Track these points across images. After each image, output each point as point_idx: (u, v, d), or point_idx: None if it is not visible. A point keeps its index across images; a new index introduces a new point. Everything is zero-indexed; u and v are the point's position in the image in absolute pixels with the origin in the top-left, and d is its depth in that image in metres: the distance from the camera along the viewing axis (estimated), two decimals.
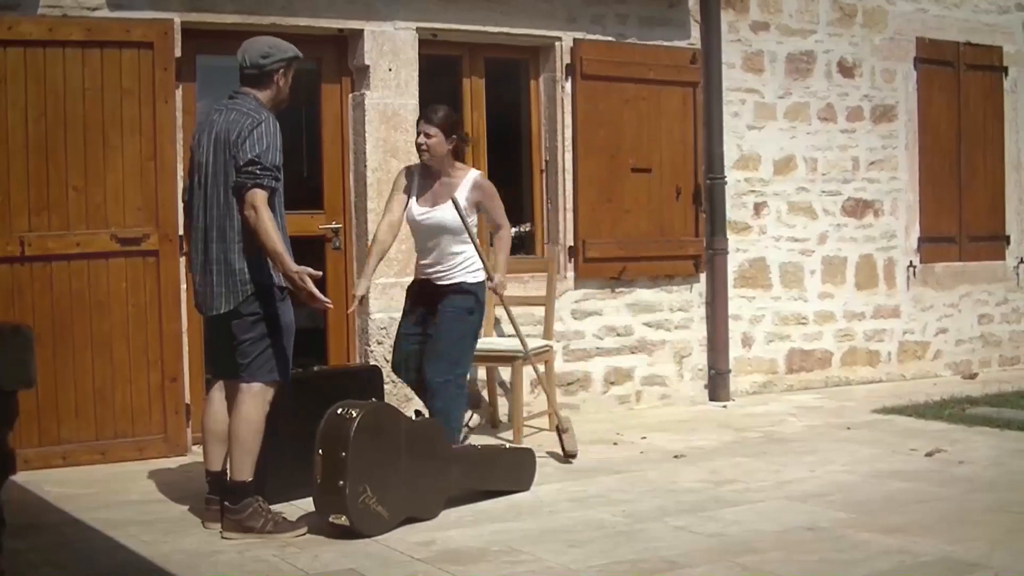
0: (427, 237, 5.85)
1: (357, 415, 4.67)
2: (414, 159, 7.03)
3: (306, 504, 4.95)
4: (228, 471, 4.78)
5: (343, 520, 4.61)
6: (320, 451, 4.66)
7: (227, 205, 4.66)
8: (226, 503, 4.69)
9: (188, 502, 5.25)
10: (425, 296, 5.90)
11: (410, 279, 7.04)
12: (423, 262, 5.93)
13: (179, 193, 6.29)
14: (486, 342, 7.01)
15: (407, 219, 5.87)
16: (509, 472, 5.48)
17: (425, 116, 5.80)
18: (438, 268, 5.85)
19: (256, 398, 4.71)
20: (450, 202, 5.69)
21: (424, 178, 5.86)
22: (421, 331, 5.89)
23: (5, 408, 3.87)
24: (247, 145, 4.61)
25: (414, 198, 5.84)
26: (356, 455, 4.63)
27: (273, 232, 4.56)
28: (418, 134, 5.78)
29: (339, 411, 4.74)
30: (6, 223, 5.94)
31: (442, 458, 5.08)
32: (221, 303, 4.70)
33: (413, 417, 5.12)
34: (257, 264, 4.68)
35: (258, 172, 4.60)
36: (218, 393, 4.92)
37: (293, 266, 4.58)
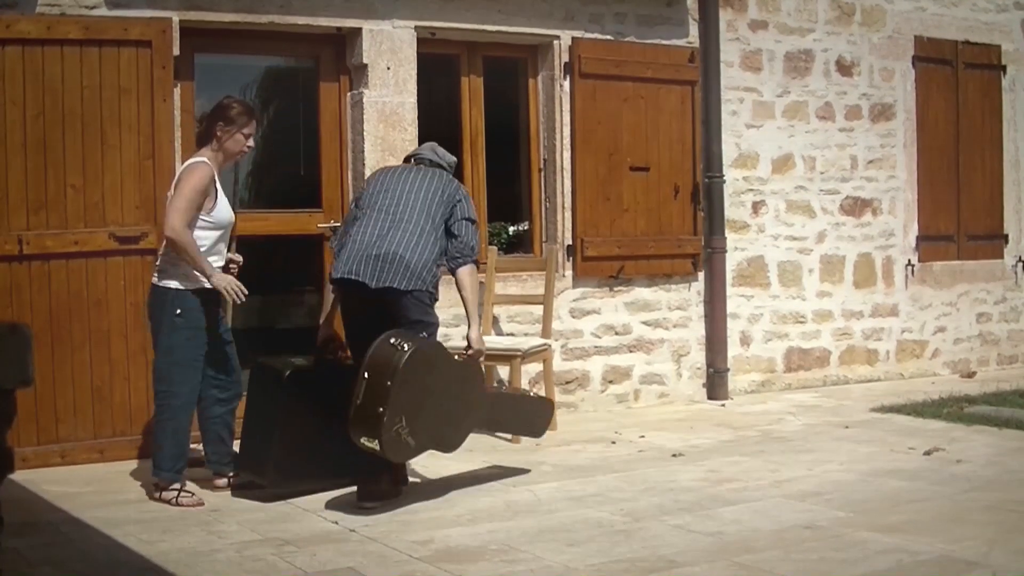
0: (227, 238, 5.48)
1: (409, 349, 4.81)
2: None
3: (304, 502, 4.96)
4: None
5: (374, 444, 4.77)
6: (366, 374, 4.78)
7: (435, 242, 5.29)
8: None
9: None
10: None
11: None
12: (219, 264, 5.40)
13: None
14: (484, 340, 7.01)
15: (229, 218, 5.40)
16: (527, 419, 5.64)
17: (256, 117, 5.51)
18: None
19: None
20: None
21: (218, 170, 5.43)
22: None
23: (4, 407, 3.88)
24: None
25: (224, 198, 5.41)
26: (400, 387, 4.76)
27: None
28: (248, 136, 5.39)
29: (392, 340, 4.85)
30: (4, 222, 5.94)
31: (473, 399, 5.23)
32: (395, 281, 5.08)
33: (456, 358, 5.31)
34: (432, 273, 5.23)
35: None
36: None
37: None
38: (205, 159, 5.31)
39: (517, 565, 4.22)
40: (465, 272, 5.36)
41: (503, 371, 7.10)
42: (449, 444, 5.23)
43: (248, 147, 5.45)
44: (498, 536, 4.62)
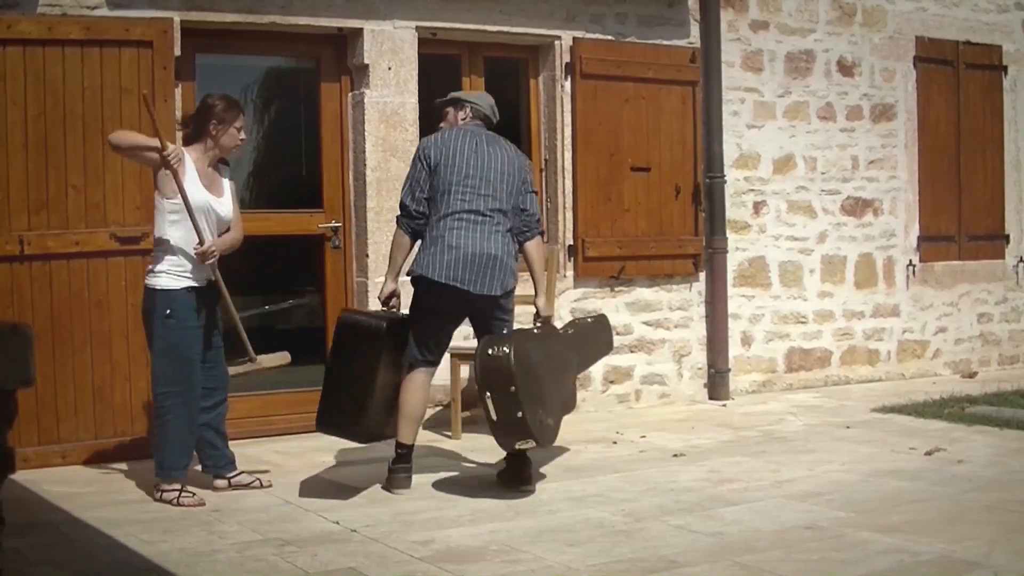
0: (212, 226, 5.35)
1: (509, 349, 5.06)
2: None
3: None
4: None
5: (529, 444, 5.16)
6: (488, 393, 5.05)
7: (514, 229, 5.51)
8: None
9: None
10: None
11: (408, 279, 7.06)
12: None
13: None
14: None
15: (202, 202, 5.25)
16: (600, 342, 6.05)
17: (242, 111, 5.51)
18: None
19: None
20: (227, 193, 5.41)
21: (205, 165, 5.39)
22: None
23: (5, 407, 3.88)
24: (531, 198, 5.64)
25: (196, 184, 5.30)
26: (523, 386, 5.03)
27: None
28: (240, 129, 5.40)
29: (490, 352, 5.09)
30: (5, 222, 5.94)
31: (565, 356, 5.53)
32: (496, 288, 5.34)
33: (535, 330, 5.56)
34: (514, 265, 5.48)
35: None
36: (427, 377, 5.47)
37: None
38: (184, 148, 5.32)
39: (518, 565, 4.21)
40: (533, 245, 5.58)
41: None
42: (572, 404, 5.69)
43: (242, 139, 5.46)
44: (499, 536, 4.62)
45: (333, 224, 7.03)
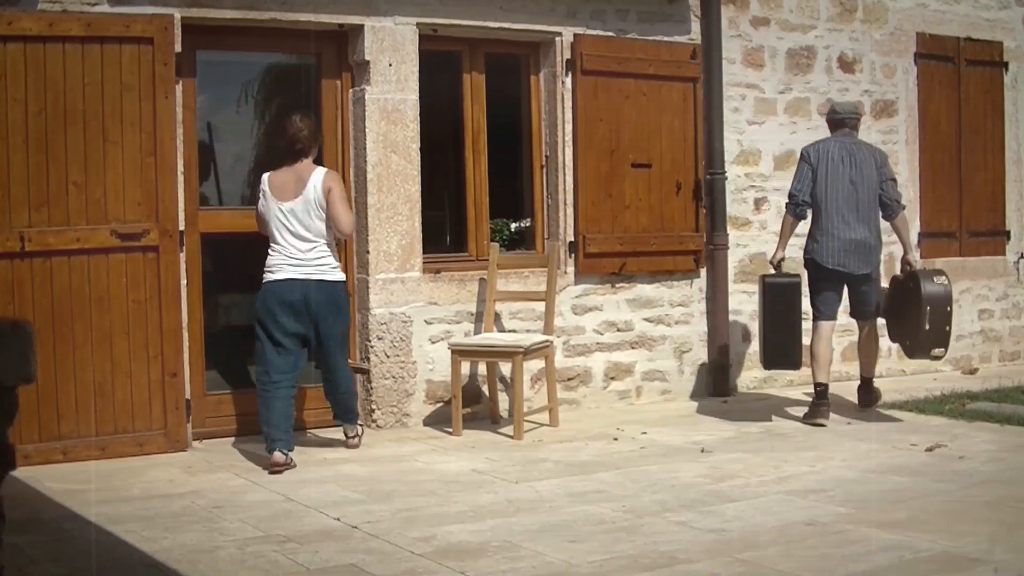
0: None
1: (949, 281, 6.92)
2: (414, 155, 7.07)
3: None
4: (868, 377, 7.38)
5: (942, 352, 6.96)
6: (928, 308, 6.77)
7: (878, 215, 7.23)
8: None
9: (188, 498, 5.27)
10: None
11: (413, 274, 7.06)
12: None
13: (179, 188, 6.31)
14: (486, 337, 7.01)
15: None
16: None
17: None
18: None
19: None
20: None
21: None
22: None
23: (5, 403, 3.87)
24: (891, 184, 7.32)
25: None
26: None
27: None
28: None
29: (935, 279, 6.87)
30: (6, 218, 5.93)
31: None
32: (867, 267, 7.12)
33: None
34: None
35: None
36: (830, 329, 7.24)
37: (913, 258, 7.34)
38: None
39: (519, 562, 4.22)
40: (900, 219, 7.27)
41: (505, 368, 7.11)
42: None
43: None
44: (500, 533, 4.62)
45: None
